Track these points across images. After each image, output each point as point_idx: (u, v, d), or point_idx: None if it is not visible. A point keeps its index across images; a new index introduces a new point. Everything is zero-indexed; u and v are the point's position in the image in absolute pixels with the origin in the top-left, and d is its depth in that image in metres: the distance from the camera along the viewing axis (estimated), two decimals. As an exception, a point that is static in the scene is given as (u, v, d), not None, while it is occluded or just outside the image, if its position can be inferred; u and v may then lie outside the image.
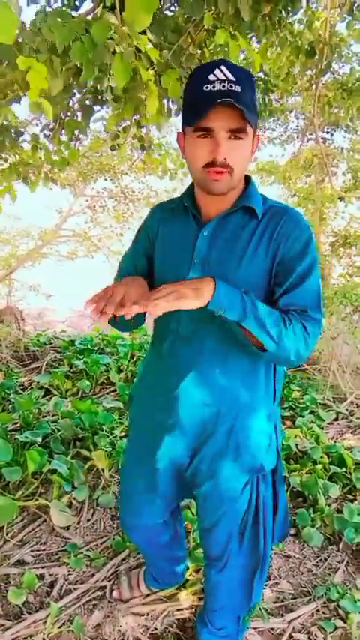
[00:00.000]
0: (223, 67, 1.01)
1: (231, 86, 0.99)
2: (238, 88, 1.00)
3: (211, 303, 1.01)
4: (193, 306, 0.99)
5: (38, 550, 2.03)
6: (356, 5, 2.83)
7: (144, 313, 1.30)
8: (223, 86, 0.99)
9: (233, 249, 1.14)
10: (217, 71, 1.01)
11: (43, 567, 1.94)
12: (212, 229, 1.17)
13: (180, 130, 1.16)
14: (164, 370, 1.28)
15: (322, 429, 3.17)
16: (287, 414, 3.38)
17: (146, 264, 1.32)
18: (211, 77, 1.01)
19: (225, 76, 1.00)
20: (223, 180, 1.06)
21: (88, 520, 2.21)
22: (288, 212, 1.16)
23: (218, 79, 1.00)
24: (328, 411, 3.47)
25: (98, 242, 8.57)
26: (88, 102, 2.39)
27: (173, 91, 1.81)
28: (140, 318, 1.31)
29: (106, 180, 7.45)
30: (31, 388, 3.53)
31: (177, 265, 1.21)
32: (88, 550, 2.03)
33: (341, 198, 6.46)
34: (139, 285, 1.11)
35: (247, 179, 1.22)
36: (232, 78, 1.00)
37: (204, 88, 1.01)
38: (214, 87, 1.00)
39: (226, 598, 1.48)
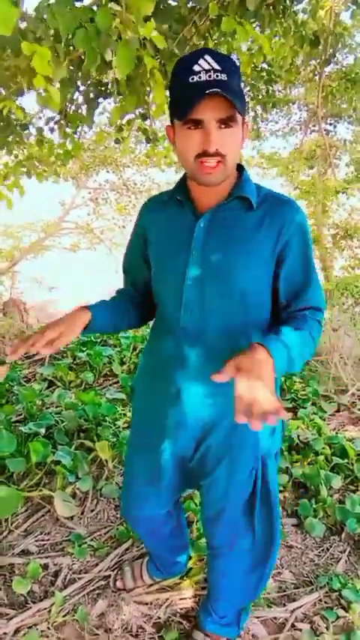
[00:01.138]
0: (207, 57, 1.00)
1: (217, 75, 0.98)
2: (224, 77, 0.98)
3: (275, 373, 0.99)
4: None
5: (42, 540, 2.05)
6: (361, -6, 2.81)
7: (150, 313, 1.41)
8: (209, 76, 0.98)
9: (232, 237, 1.15)
10: (201, 61, 0.99)
11: (47, 557, 1.95)
12: (209, 220, 1.17)
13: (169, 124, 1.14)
14: (167, 365, 1.27)
15: (324, 420, 3.17)
16: (289, 405, 3.39)
17: (143, 263, 1.34)
18: (196, 68, 0.99)
19: (210, 65, 0.99)
20: (217, 172, 1.05)
21: (92, 510, 2.23)
22: (283, 200, 1.18)
23: (203, 69, 0.98)
24: (330, 402, 3.48)
25: (101, 234, 8.57)
26: (92, 94, 2.38)
27: None
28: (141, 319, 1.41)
29: (108, 172, 7.45)
30: (35, 380, 3.55)
31: (175, 256, 1.20)
32: (91, 540, 2.05)
33: (343, 191, 6.43)
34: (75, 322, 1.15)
35: (240, 168, 1.21)
36: (217, 67, 0.98)
37: (190, 80, 0.99)
38: (200, 77, 0.98)
39: (228, 587, 1.49)
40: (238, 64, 1.09)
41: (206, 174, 1.05)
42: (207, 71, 0.98)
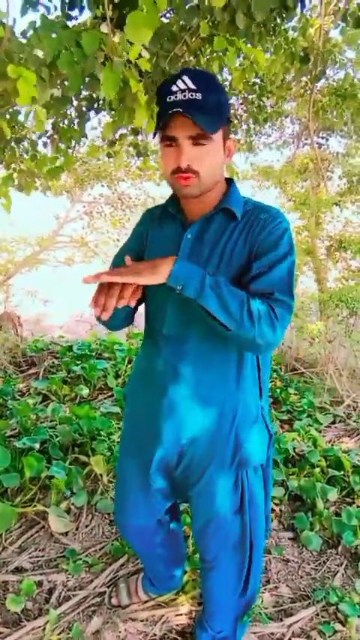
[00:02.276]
0: (184, 77, 1.05)
1: (191, 95, 1.03)
2: (199, 96, 1.03)
3: (169, 280, 1.05)
4: (150, 282, 1.04)
5: (37, 556, 2.02)
6: (349, 12, 2.86)
7: (132, 313, 1.36)
8: (184, 95, 1.04)
9: (214, 249, 1.18)
10: (179, 81, 1.05)
11: (41, 574, 1.93)
12: (196, 231, 1.21)
13: None
14: (153, 371, 1.31)
15: (320, 432, 3.17)
16: (285, 417, 3.39)
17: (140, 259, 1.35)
18: (174, 88, 1.05)
19: (186, 85, 1.04)
20: (192, 185, 1.10)
21: (87, 526, 2.21)
22: (265, 210, 1.19)
23: (180, 89, 1.04)
24: (326, 414, 3.48)
25: (95, 248, 8.60)
26: (84, 108, 2.41)
27: None
28: (128, 317, 1.36)
29: (102, 186, 7.49)
30: (29, 394, 3.53)
31: None
32: (86, 556, 2.03)
33: (336, 204, 6.49)
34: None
35: (229, 182, 1.25)
36: (192, 86, 1.04)
37: (167, 99, 1.05)
38: (176, 97, 1.04)
39: (222, 599, 1.48)
40: (217, 82, 1.12)
41: (183, 187, 1.11)
42: (182, 91, 1.04)
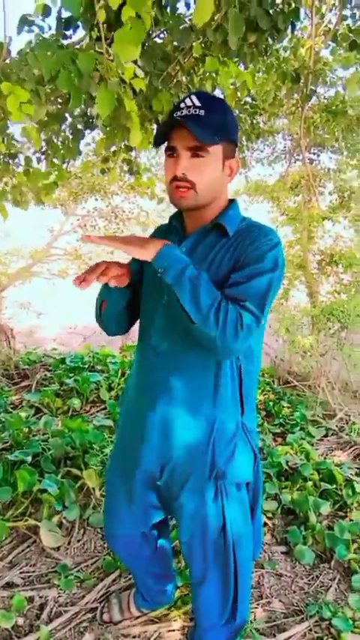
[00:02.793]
0: (193, 97, 1.13)
1: (195, 111, 1.11)
2: (202, 112, 1.10)
3: (155, 260, 1.11)
4: (135, 256, 1.11)
5: (28, 572, 2.01)
6: (339, 33, 2.94)
7: (131, 318, 1.40)
8: (189, 111, 1.11)
9: (203, 264, 1.20)
10: (187, 100, 1.14)
11: (32, 589, 1.91)
12: (190, 245, 1.24)
13: None
14: (141, 381, 1.34)
15: (312, 445, 3.18)
16: (277, 430, 3.39)
17: (139, 271, 1.38)
18: (182, 105, 1.14)
19: (192, 103, 1.12)
20: (188, 196, 1.15)
21: (79, 540, 2.19)
22: (257, 227, 1.21)
23: (186, 106, 1.12)
24: (318, 427, 3.49)
25: (89, 261, 8.61)
26: (79, 126, 2.44)
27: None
28: (121, 320, 1.40)
29: (97, 200, 7.54)
30: (22, 407, 3.51)
31: (156, 277, 1.23)
32: (78, 571, 2.01)
33: (328, 218, 6.57)
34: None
35: (231, 201, 1.28)
36: (197, 104, 1.11)
37: (174, 115, 1.13)
38: (181, 112, 1.12)
39: (212, 615, 1.47)
40: (225, 105, 1.18)
41: (178, 198, 1.16)
42: (188, 107, 1.12)
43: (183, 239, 1.27)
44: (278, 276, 1.15)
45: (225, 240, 1.21)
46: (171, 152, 1.16)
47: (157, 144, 1.18)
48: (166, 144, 1.18)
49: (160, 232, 1.41)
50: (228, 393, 1.24)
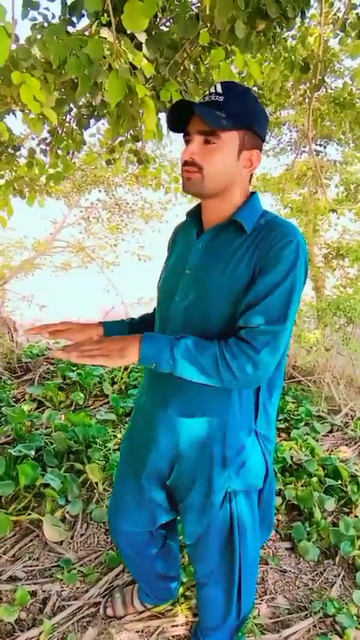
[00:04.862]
0: (217, 85, 1.12)
1: (214, 97, 1.10)
2: (221, 99, 1.09)
3: (141, 361, 1.08)
4: (117, 365, 1.09)
5: (31, 566, 2.00)
6: (348, 22, 2.88)
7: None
8: (210, 98, 1.11)
9: (219, 261, 1.16)
10: (212, 87, 1.13)
11: (35, 583, 1.91)
12: (206, 241, 1.21)
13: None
14: (154, 381, 1.33)
15: (317, 441, 3.16)
16: (282, 426, 3.37)
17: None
18: (206, 93, 1.14)
19: (215, 90, 1.11)
20: (194, 180, 1.13)
21: (82, 535, 2.18)
22: (276, 226, 1.13)
23: (209, 93, 1.12)
24: (323, 423, 3.47)
25: (92, 253, 8.57)
26: (84, 115, 2.40)
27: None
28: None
29: (100, 191, 7.49)
30: (24, 400, 3.50)
31: (174, 275, 1.28)
32: (81, 565, 2.00)
33: (334, 211, 6.51)
34: (88, 331, 1.33)
35: (251, 195, 1.22)
36: (219, 91, 1.11)
37: (200, 101, 1.14)
38: (203, 99, 1.13)
39: (216, 615, 1.46)
40: (249, 94, 1.14)
41: (186, 180, 1.15)
42: (210, 94, 1.12)
43: (200, 234, 1.24)
44: (300, 275, 1.10)
45: (242, 237, 1.15)
46: (187, 137, 1.15)
47: (171, 128, 1.18)
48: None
49: (179, 227, 1.42)
50: (242, 398, 1.22)
